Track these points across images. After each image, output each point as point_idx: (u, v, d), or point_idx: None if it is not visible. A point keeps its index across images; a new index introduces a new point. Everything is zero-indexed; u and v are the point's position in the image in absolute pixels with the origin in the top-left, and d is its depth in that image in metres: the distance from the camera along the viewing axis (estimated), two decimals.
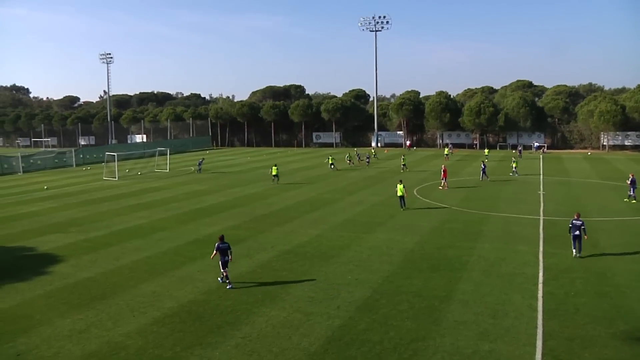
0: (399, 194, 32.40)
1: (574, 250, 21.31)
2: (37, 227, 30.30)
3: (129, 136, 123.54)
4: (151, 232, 27.94)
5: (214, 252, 18.75)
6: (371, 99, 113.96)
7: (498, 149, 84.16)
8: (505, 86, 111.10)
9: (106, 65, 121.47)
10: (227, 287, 18.44)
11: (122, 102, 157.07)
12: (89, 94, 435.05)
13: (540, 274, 19.12)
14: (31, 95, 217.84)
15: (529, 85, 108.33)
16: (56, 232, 28.59)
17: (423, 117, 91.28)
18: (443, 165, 43.87)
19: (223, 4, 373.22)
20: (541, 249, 22.52)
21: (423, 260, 21.21)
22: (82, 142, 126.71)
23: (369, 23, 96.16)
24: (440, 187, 40.40)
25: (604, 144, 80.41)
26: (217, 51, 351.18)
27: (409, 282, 18.53)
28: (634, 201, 32.91)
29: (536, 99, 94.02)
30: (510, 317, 15.19)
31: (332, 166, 56.16)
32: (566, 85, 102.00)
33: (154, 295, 17.88)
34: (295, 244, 24.33)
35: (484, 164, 46.29)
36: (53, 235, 27.96)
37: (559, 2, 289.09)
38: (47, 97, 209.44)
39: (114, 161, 57.26)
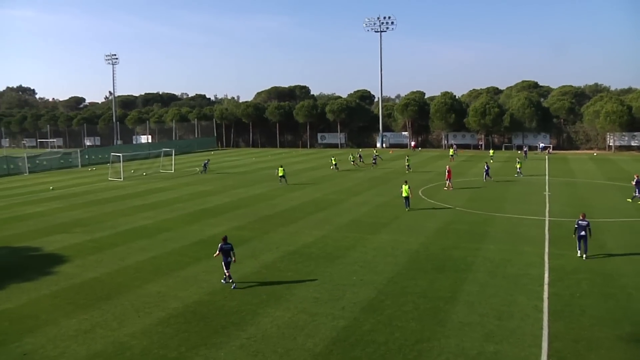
0: (404, 194, 32.38)
1: (578, 251, 21.26)
2: (43, 227, 30.43)
3: (134, 137, 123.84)
4: (156, 232, 28.01)
5: (217, 252, 18.83)
6: (376, 99, 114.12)
7: (503, 149, 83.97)
8: (511, 87, 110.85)
9: (111, 66, 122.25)
10: (232, 287, 18.49)
11: (127, 102, 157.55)
12: (95, 94, 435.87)
13: (546, 275, 19.05)
14: (37, 96, 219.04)
15: (535, 85, 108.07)
16: (62, 233, 28.70)
17: (428, 117, 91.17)
18: (447, 166, 43.78)
19: (228, 4, 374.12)
20: (547, 250, 22.44)
21: (428, 261, 21.18)
22: (88, 143, 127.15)
23: (374, 24, 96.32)
24: (445, 188, 40.32)
25: (610, 144, 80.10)
26: (222, 52, 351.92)
27: (414, 283, 18.50)
28: None
29: (542, 99, 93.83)
30: (515, 318, 15.14)
31: (335, 166, 56.33)
32: (572, 86, 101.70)
33: (159, 296, 17.92)
34: (300, 245, 24.33)
35: (487, 165, 46.23)
36: (59, 235, 28.08)
37: (565, 2, 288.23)
38: (53, 98, 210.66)
39: (120, 162, 57.45)
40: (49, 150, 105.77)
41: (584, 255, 20.92)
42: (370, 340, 13.97)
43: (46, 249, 25.14)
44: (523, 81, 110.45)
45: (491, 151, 70.35)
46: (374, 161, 60.25)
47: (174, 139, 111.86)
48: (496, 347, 13.33)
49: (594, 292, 17.15)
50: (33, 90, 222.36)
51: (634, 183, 34.02)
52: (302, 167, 62.44)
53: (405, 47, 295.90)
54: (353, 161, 61.33)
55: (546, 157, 70.26)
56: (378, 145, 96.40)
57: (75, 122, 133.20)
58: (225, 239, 18.96)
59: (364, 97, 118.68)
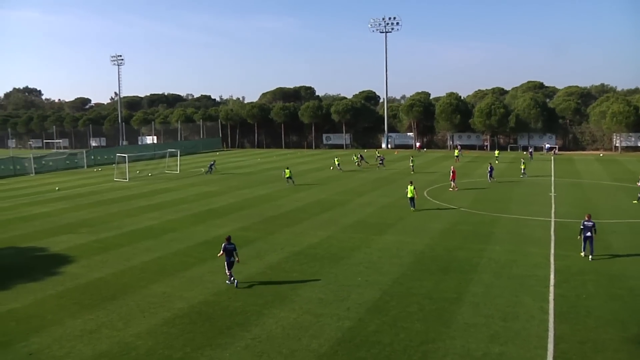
0: (409, 195, 32.35)
1: (582, 252, 21.22)
2: (49, 227, 30.56)
3: (139, 137, 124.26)
4: (161, 233, 28.07)
5: (221, 252, 18.89)
6: (381, 100, 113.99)
7: (509, 150, 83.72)
8: (516, 87, 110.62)
9: (117, 67, 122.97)
10: (234, 285, 18.61)
11: (132, 103, 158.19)
12: (100, 95, 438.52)
13: (552, 276, 18.98)
14: (43, 97, 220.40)
15: (540, 86, 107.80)
16: (68, 233, 28.81)
17: (433, 118, 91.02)
18: (452, 167, 43.72)
19: (233, 5, 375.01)
20: (552, 251, 22.35)
21: (433, 262, 21.13)
22: (93, 144, 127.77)
23: (379, 24, 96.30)
24: (450, 189, 40.23)
25: (617, 145, 79.69)
26: (227, 53, 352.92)
27: (419, 284, 18.47)
28: None
29: (547, 100, 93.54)
30: (521, 319, 15.09)
31: (338, 167, 56.51)
32: (578, 86, 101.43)
33: (164, 296, 17.96)
34: (305, 246, 24.33)
35: (491, 166, 46.11)
36: (64, 235, 28.19)
37: (571, 2, 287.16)
38: (59, 99, 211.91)
39: (125, 162, 57.62)
40: (54, 151, 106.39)
41: (590, 256, 20.84)
42: (375, 341, 13.95)
43: (52, 249, 25.24)
44: (529, 82, 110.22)
45: (496, 152, 70.18)
46: (380, 162, 59.94)
47: (179, 139, 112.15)
48: (501, 349, 13.29)
49: (600, 294, 17.07)
50: (39, 91, 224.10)
51: (639, 184, 33.87)
52: (307, 167, 62.46)
53: (410, 47, 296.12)
54: (357, 162, 61.33)
55: (552, 158, 69.99)
56: (383, 146, 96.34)
57: (81, 123, 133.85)
58: (229, 239, 19.04)
59: (369, 97, 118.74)
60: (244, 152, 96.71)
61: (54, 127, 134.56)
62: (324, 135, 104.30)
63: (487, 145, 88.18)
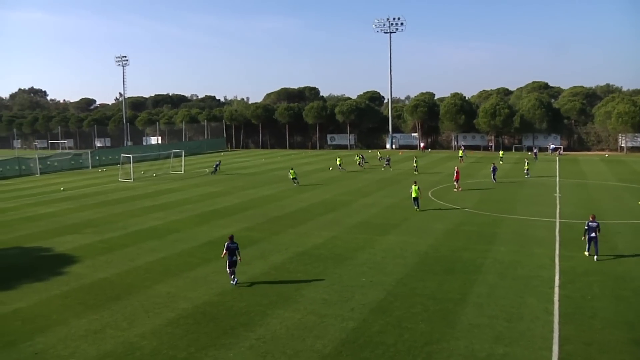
0: (414, 195, 32.34)
1: (587, 252, 21.20)
2: (54, 228, 30.67)
3: (144, 138, 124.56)
4: (166, 233, 28.13)
5: (224, 251, 18.94)
6: (386, 100, 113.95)
7: (513, 150, 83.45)
8: (521, 87, 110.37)
9: (122, 67, 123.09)
10: (234, 283, 18.80)
11: (137, 104, 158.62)
12: (105, 96, 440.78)
13: (557, 277, 18.92)
14: (48, 98, 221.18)
15: (545, 86, 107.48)
16: (72, 233, 28.91)
17: (438, 119, 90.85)
18: (456, 167, 43.64)
19: (237, 6, 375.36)
20: (557, 251, 22.27)
21: (437, 263, 21.10)
22: (98, 144, 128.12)
23: (384, 25, 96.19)
24: (455, 190, 40.15)
25: (622, 145, 79.34)
26: (231, 53, 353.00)
27: (423, 285, 18.44)
28: None
29: (552, 100, 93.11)
30: (525, 320, 15.04)
31: (340, 167, 56.55)
32: (583, 87, 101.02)
33: (169, 296, 17.99)
34: (309, 246, 24.33)
35: (494, 166, 46.00)
36: (69, 236, 28.28)
37: (577, 2, 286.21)
38: (64, 100, 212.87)
39: (130, 163, 57.77)
40: (60, 151, 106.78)
41: (595, 257, 20.78)
42: (379, 341, 13.93)
43: (57, 250, 25.33)
44: (533, 82, 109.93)
45: (501, 152, 69.92)
46: (387, 163, 59.80)
47: (183, 140, 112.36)
48: (506, 350, 13.25)
49: (605, 295, 17.00)
50: (44, 91, 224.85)
51: None
52: (311, 168, 62.46)
53: (414, 48, 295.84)
54: (359, 162, 61.32)
55: (557, 158, 69.76)
56: (387, 146, 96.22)
57: (85, 123, 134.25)
58: (231, 238, 19.13)
59: (374, 98, 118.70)
60: (248, 153, 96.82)
61: (59, 127, 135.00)
62: (329, 136, 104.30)
63: (491, 146, 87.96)
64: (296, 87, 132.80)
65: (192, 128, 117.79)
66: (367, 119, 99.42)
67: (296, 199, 38.37)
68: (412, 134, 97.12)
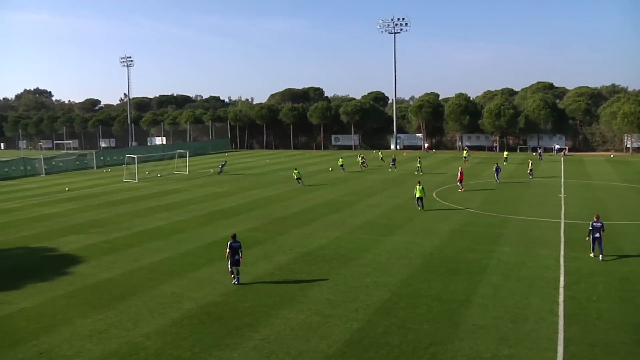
0: (418, 195, 32.33)
1: (592, 253, 21.15)
2: (59, 228, 30.77)
3: (148, 138, 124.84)
4: (170, 233, 28.18)
5: (227, 250, 18.98)
6: (390, 101, 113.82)
7: (518, 151, 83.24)
8: (526, 88, 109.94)
9: (126, 68, 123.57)
10: (233, 282, 18.86)
11: (142, 104, 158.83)
12: (110, 96, 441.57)
13: (561, 278, 18.85)
14: (54, 99, 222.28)
15: (550, 86, 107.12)
16: (77, 233, 29.00)
17: (442, 119, 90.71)
18: (460, 168, 43.57)
19: (242, 7, 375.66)
20: (562, 252, 22.20)
21: (442, 264, 21.06)
22: (103, 145, 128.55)
23: (388, 25, 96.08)
24: (460, 190, 40.08)
25: (628, 146, 78.97)
26: (236, 54, 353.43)
27: (427, 286, 18.41)
28: None
29: (557, 100, 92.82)
30: (530, 321, 14.99)
31: (341, 167, 56.63)
32: (588, 87, 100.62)
33: (173, 297, 18.02)
34: (313, 247, 24.33)
35: (497, 166, 45.89)
36: (74, 236, 28.37)
37: (581, 2, 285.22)
38: (69, 100, 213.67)
39: (134, 163, 57.92)
40: (64, 151, 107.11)
41: (600, 257, 20.72)
42: (383, 342, 13.92)
43: (62, 250, 25.41)
44: (538, 82, 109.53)
45: (505, 153, 69.76)
46: (392, 163, 59.78)
47: (188, 140, 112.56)
48: (511, 351, 13.21)
49: (610, 296, 16.93)
50: (50, 92, 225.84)
51: None
52: (315, 168, 62.46)
53: (419, 48, 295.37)
54: (361, 163, 61.23)
55: (562, 159, 69.54)
56: (392, 147, 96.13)
57: (90, 123, 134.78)
58: (234, 237, 19.20)
59: (378, 98, 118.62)
60: (253, 153, 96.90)
61: (64, 128, 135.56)
62: (333, 136, 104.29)
63: (496, 146, 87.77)
64: (300, 88, 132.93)
65: (197, 128, 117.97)
66: (371, 119, 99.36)
67: (301, 200, 38.38)
68: (417, 135, 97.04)
